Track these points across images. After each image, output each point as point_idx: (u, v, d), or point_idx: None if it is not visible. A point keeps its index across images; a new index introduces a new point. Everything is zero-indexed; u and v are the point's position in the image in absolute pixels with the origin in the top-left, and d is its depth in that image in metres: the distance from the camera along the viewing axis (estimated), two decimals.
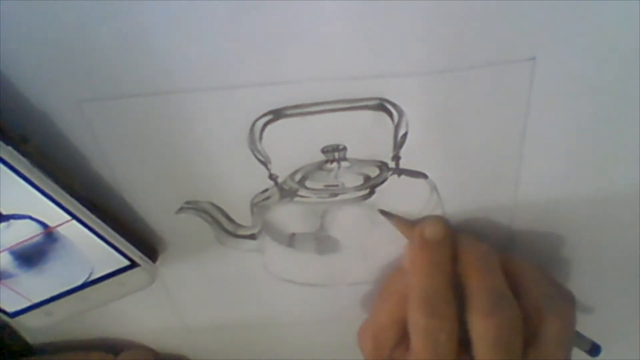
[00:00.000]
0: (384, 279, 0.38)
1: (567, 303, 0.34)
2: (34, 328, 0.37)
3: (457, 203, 0.36)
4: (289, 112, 0.31)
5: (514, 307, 0.32)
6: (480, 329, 0.31)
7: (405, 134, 0.32)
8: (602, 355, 0.37)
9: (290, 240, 0.37)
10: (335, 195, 0.35)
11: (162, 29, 0.28)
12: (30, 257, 0.33)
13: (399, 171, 0.34)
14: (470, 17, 0.27)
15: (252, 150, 0.32)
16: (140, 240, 0.36)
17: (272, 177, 0.34)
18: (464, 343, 0.33)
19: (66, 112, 0.30)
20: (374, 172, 0.34)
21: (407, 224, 0.35)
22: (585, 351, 0.36)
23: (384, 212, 0.35)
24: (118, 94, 0.30)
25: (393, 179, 0.34)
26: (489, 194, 0.35)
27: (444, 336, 0.32)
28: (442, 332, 0.32)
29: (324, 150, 0.33)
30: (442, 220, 0.34)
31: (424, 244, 0.33)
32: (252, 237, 0.37)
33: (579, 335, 0.36)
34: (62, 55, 0.28)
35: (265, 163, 0.33)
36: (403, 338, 0.34)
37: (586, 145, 0.33)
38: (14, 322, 0.37)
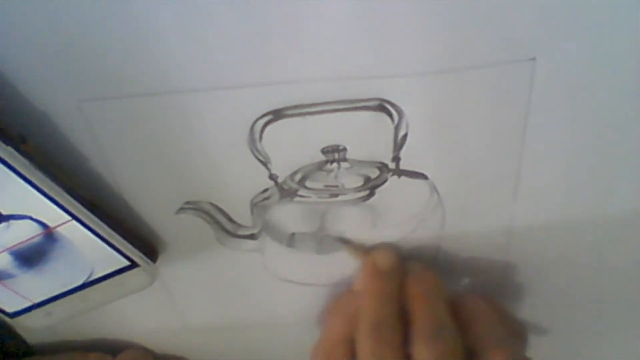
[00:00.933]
0: (335, 298, 0.39)
1: (515, 340, 0.35)
2: (34, 328, 0.37)
3: (457, 203, 0.36)
4: (289, 112, 0.31)
5: (455, 338, 0.32)
6: (422, 355, 0.32)
7: (405, 135, 0.32)
8: None
9: (290, 240, 0.37)
10: (336, 195, 0.35)
11: (162, 29, 0.28)
12: (30, 257, 0.33)
13: (399, 172, 0.34)
14: (470, 17, 0.27)
15: (252, 150, 0.32)
16: (140, 241, 0.36)
17: (272, 177, 0.34)
18: None
19: (66, 112, 0.30)
20: (374, 173, 0.34)
21: (360, 250, 0.37)
22: None
23: (342, 240, 0.37)
24: (118, 94, 0.30)
25: (393, 180, 0.34)
26: (489, 194, 0.35)
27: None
28: (388, 356, 0.32)
29: (324, 151, 0.33)
30: (392, 250, 0.36)
31: (375, 272, 0.35)
32: (252, 237, 0.37)
33: None
34: (62, 55, 0.28)
35: (265, 163, 0.33)
36: (354, 356, 0.34)
37: (586, 145, 0.33)
38: (13, 323, 0.37)
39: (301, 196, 0.35)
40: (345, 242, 0.37)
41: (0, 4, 0.27)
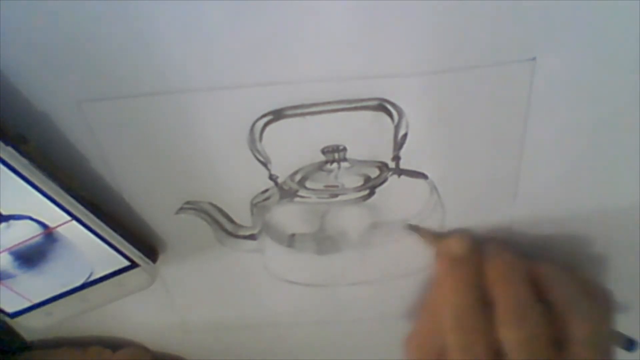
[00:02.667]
0: (425, 291, 0.38)
1: (598, 304, 0.34)
2: (35, 328, 0.37)
3: (457, 203, 0.36)
4: (289, 112, 0.31)
5: (541, 316, 0.32)
6: (510, 340, 0.32)
7: (405, 135, 0.32)
8: None
9: (290, 241, 0.37)
10: (336, 195, 0.35)
11: (161, 29, 0.28)
12: (30, 257, 0.33)
13: (399, 171, 0.34)
14: (470, 17, 0.27)
15: (252, 151, 0.32)
16: (140, 241, 0.36)
17: (272, 177, 0.34)
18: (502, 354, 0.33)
19: (66, 112, 0.30)
20: (374, 172, 0.34)
21: (433, 237, 0.36)
22: (620, 347, 0.36)
23: (411, 227, 0.36)
24: (118, 94, 0.30)
25: (393, 180, 0.34)
26: (489, 193, 0.35)
27: (479, 349, 0.32)
28: (477, 346, 0.32)
29: (324, 151, 0.33)
30: (466, 236, 0.35)
31: (451, 261, 0.35)
32: (252, 237, 0.37)
33: (617, 334, 0.36)
34: (62, 56, 0.28)
35: (265, 163, 0.33)
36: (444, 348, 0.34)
37: (586, 145, 0.33)
38: (13, 323, 0.37)
39: (301, 196, 0.35)
40: (416, 229, 0.36)
41: (0, 4, 0.27)
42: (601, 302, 0.35)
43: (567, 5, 0.27)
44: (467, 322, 0.33)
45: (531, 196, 0.35)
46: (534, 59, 0.29)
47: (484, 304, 0.33)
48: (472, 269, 0.34)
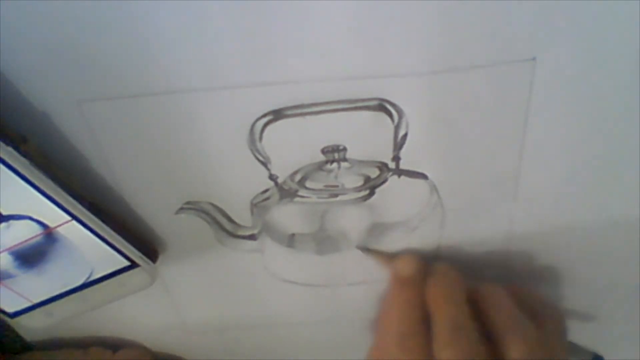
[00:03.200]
0: (378, 310, 0.39)
1: (539, 326, 0.34)
2: (35, 328, 0.37)
3: (456, 203, 0.36)
4: (289, 112, 0.31)
5: (474, 336, 0.33)
6: (442, 356, 0.32)
7: (405, 135, 0.32)
8: None
9: (290, 241, 0.37)
10: (335, 195, 0.35)
11: (162, 29, 0.28)
12: (30, 257, 0.33)
13: (399, 172, 0.34)
14: (470, 17, 0.28)
15: (252, 151, 0.32)
16: (140, 241, 0.36)
17: (272, 177, 0.34)
18: None
19: (66, 112, 0.30)
20: (374, 172, 0.34)
21: (385, 258, 0.37)
22: None
23: (363, 249, 0.38)
24: (118, 94, 0.30)
25: (393, 180, 0.34)
26: (489, 194, 0.35)
27: None
28: None
29: (324, 151, 0.33)
30: (414, 258, 0.36)
31: (397, 281, 0.36)
32: (252, 237, 0.37)
33: (577, 348, 0.36)
34: (62, 56, 0.28)
35: (265, 163, 0.33)
36: None
37: (586, 145, 0.33)
38: (13, 323, 0.37)
39: (301, 196, 0.35)
40: (367, 250, 0.37)
41: (0, 4, 0.27)
42: (549, 324, 0.35)
43: (567, 6, 0.27)
44: (407, 342, 0.33)
45: (531, 196, 0.35)
46: (534, 59, 0.29)
47: (426, 323, 0.34)
48: (418, 289, 0.35)
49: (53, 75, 0.29)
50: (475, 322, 0.33)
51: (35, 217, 0.31)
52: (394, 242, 0.37)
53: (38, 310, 0.36)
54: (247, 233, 0.37)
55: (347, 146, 0.33)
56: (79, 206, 0.32)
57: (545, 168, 0.34)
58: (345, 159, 0.33)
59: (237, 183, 0.34)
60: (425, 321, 0.34)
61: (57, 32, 0.28)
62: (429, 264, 0.36)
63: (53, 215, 0.31)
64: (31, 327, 0.37)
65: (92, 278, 0.35)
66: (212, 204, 0.36)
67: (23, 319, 0.37)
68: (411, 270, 0.36)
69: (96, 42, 0.28)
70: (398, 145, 0.32)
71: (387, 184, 0.34)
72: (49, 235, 0.32)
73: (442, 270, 0.36)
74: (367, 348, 0.37)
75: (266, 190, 0.35)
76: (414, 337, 0.33)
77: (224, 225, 0.37)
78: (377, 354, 0.36)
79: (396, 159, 0.33)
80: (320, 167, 0.33)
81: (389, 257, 0.37)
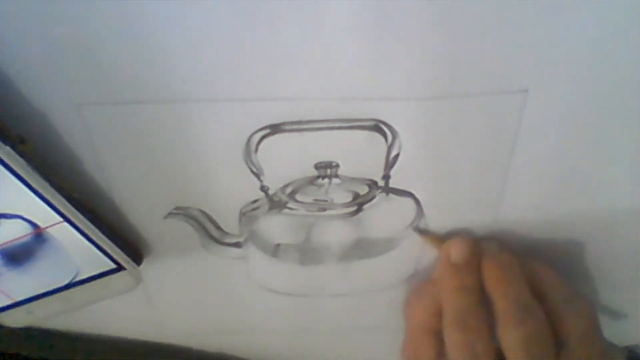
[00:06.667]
0: (414, 288, 0.38)
1: (587, 304, 0.35)
2: (14, 326, 0.37)
3: (440, 222, 0.37)
4: (286, 127, 0.31)
5: (540, 314, 0.33)
6: (508, 340, 0.32)
7: (397, 155, 0.33)
8: None
9: (275, 251, 0.38)
10: (324, 209, 0.36)
11: (165, 38, 0.28)
12: (17, 256, 0.33)
13: (388, 190, 0.35)
14: (465, 47, 0.28)
15: (247, 162, 0.33)
16: (126, 244, 0.36)
17: (263, 188, 0.34)
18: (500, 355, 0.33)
19: (64, 114, 0.30)
20: (363, 189, 0.35)
21: (437, 240, 0.37)
22: None
23: (419, 230, 0.37)
24: (117, 99, 0.30)
25: (381, 197, 0.35)
26: (471, 215, 0.36)
27: (480, 348, 0.33)
28: (478, 345, 0.33)
29: (317, 166, 0.33)
30: (466, 241, 0.35)
31: (451, 266, 0.35)
32: (237, 245, 0.38)
33: (613, 346, 0.37)
34: (63, 58, 0.28)
35: (258, 175, 0.34)
36: (441, 348, 0.35)
37: (569, 178, 0.34)
38: None
39: (290, 208, 0.36)
40: (422, 232, 0.37)
41: (0, 5, 0.26)
42: (588, 304, 0.35)
43: (560, 41, 0.28)
44: (468, 323, 0.33)
45: (512, 216, 0.36)
46: (526, 91, 0.30)
47: (484, 305, 0.34)
48: (473, 273, 0.35)
49: (53, 78, 0.29)
50: (534, 300, 0.33)
51: (26, 216, 0.31)
52: (375, 257, 0.38)
53: (19, 308, 0.36)
54: (233, 240, 0.38)
55: (340, 163, 0.33)
56: (71, 208, 0.32)
57: (526, 195, 0.35)
58: (336, 175, 0.34)
59: (228, 192, 0.35)
60: (483, 302, 0.34)
61: (58, 35, 0.28)
62: (480, 244, 0.36)
63: (45, 216, 0.31)
64: (10, 324, 0.37)
65: (77, 279, 0.35)
66: (201, 211, 0.36)
67: (2, 317, 0.36)
68: (464, 254, 0.35)
69: (99, 47, 0.28)
70: (389, 164, 0.33)
71: (374, 201, 0.35)
72: (39, 236, 0.32)
73: (495, 250, 0.35)
74: (343, 357, 0.38)
75: (256, 201, 0.35)
76: (475, 318, 0.33)
77: (210, 232, 0.37)
78: (420, 340, 0.36)
79: (386, 177, 0.34)
80: (311, 181, 0.34)
81: (441, 240, 0.36)
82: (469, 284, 0.34)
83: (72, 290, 0.36)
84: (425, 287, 0.37)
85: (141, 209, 0.36)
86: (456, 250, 0.35)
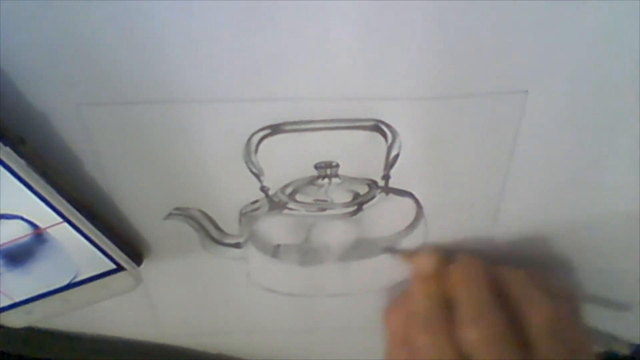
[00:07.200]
0: (392, 299, 0.40)
1: (557, 298, 0.35)
2: (13, 326, 0.37)
3: (439, 222, 0.37)
4: (287, 127, 0.31)
5: (499, 313, 0.33)
6: (467, 338, 0.33)
7: (397, 155, 0.33)
8: None
9: (275, 251, 0.38)
10: (324, 210, 0.36)
11: (165, 38, 0.28)
12: (17, 256, 0.33)
13: (387, 190, 0.35)
14: (465, 47, 0.29)
15: (247, 162, 0.33)
16: (126, 244, 0.36)
17: (263, 189, 0.34)
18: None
19: (64, 114, 0.30)
20: (363, 189, 0.35)
21: (408, 255, 0.38)
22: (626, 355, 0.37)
23: (391, 250, 0.38)
24: (117, 99, 0.30)
25: (381, 197, 0.35)
26: (472, 213, 0.36)
27: (447, 350, 0.33)
28: (443, 344, 0.33)
29: (317, 166, 0.33)
30: (432, 253, 0.37)
31: (421, 277, 0.37)
32: (237, 245, 0.38)
33: (615, 339, 0.37)
34: (63, 59, 0.28)
35: (258, 175, 0.34)
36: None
37: (569, 177, 0.34)
38: None
39: (290, 209, 0.36)
40: (393, 251, 0.38)
41: (1, 6, 0.27)
42: (564, 299, 0.36)
43: (560, 41, 0.28)
44: (433, 326, 0.34)
45: (512, 217, 0.36)
46: (526, 91, 0.30)
47: (450, 309, 0.34)
48: (439, 281, 0.36)
49: (53, 78, 0.29)
50: (498, 299, 0.34)
51: (26, 217, 0.31)
52: (375, 258, 0.38)
53: (18, 308, 0.36)
54: (233, 241, 0.38)
55: (340, 163, 0.33)
56: (71, 209, 0.32)
57: (526, 194, 0.35)
58: (336, 175, 0.34)
59: (228, 192, 0.35)
60: (449, 307, 0.34)
61: (59, 36, 0.28)
62: (449, 257, 0.37)
63: (45, 217, 0.31)
64: (9, 325, 0.37)
65: (76, 279, 0.35)
66: (201, 211, 0.36)
67: (2, 317, 0.36)
68: (432, 266, 0.36)
69: (99, 47, 0.28)
70: (389, 164, 0.33)
71: (374, 200, 0.35)
72: (39, 236, 0.32)
73: (464, 258, 0.36)
74: (344, 356, 0.38)
75: (256, 201, 0.35)
76: (440, 320, 0.34)
77: (210, 232, 0.37)
78: (397, 346, 0.37)
79: (386, 177, 0.34)
80: (311, 181, 0.34)
81: (410, 254, 0.38)
82: (435, 291, 0.36)
83: (72, 290, 0.36)
84: (401, 298, 0.38)
85: (141, 210, 0.36)
86: (423, 262, 0.37)
